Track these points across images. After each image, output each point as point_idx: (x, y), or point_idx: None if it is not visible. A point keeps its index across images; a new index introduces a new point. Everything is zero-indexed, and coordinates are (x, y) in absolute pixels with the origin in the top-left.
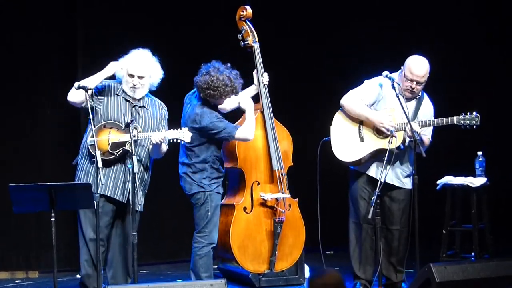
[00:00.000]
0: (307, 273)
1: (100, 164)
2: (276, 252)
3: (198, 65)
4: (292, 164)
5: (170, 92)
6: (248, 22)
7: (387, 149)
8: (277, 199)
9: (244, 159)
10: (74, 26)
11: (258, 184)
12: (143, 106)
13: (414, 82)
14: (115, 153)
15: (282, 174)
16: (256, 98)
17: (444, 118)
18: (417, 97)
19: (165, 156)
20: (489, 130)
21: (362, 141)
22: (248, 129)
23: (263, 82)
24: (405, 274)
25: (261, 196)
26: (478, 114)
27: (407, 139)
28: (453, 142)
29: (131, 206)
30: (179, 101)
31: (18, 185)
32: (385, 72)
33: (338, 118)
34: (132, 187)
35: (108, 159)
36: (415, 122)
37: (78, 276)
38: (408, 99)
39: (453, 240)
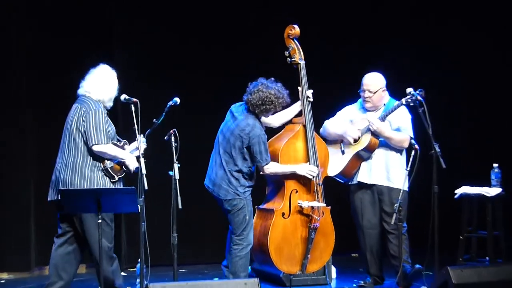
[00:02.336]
0: (333, 274)
1: (144, 171)
2: (309, 255)
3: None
4: (328, 174)
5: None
6: (295, 40)
7: (363, 150)
8: (313, 207)
9: None
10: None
11: (297, 192)
12: None
13: (366, 91)
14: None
15: (318, 184)
16: (299, 113)
17: (394, 104)
18: (383, 106)
19: (202, 160)
20: (506, 141)
21: (343, 154)
22: (276, 171)
23: (307, 99)
24: (424, 276)
25: (299, 203)
26: (422, 89)
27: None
28: (470, 153)
29: (173, 210)
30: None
31: (68, 189)
32: None
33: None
34: (174, 193)
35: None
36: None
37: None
38: (369, 110)
39: (470, 246)
